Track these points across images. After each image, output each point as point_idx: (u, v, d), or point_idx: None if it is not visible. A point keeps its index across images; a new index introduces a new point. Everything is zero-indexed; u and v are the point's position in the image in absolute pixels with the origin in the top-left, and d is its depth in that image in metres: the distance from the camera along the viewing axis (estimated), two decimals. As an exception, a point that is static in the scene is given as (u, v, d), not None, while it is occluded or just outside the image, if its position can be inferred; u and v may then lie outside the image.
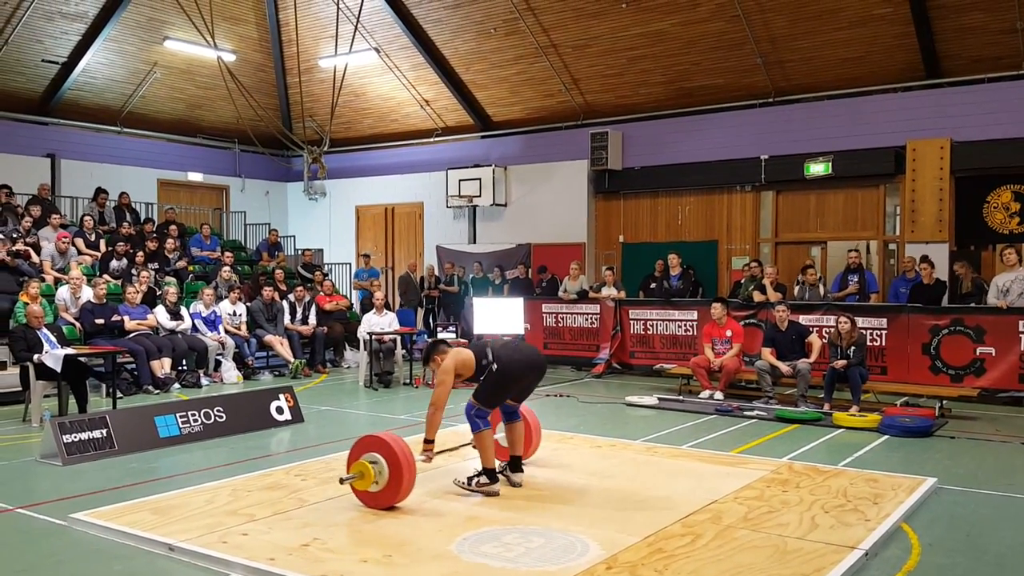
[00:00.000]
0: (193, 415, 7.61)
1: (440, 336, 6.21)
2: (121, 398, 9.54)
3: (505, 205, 16.15)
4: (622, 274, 14.28)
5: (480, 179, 15.92)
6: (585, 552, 4.37)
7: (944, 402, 9.05)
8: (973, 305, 10.24)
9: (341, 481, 5.19)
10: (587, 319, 12.90)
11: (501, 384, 5.55)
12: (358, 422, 8.91)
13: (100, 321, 10.47)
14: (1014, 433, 8.07)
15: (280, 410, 8.30)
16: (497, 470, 5.59)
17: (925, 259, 10.88)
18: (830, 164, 12.83)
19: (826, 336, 9.75)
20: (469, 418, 5.56)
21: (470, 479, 5.50)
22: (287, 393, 8.50)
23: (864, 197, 13.11)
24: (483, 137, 16.81)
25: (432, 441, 5.48)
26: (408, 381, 11.51)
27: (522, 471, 5.80)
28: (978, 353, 9.85)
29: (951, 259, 11.94)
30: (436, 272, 16.14)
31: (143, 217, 15.33)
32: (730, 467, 6.41)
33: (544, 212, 15.65)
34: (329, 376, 12.32)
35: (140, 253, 12.90)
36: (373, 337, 11.34)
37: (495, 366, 5.50)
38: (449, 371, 5.52)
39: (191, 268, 13.98)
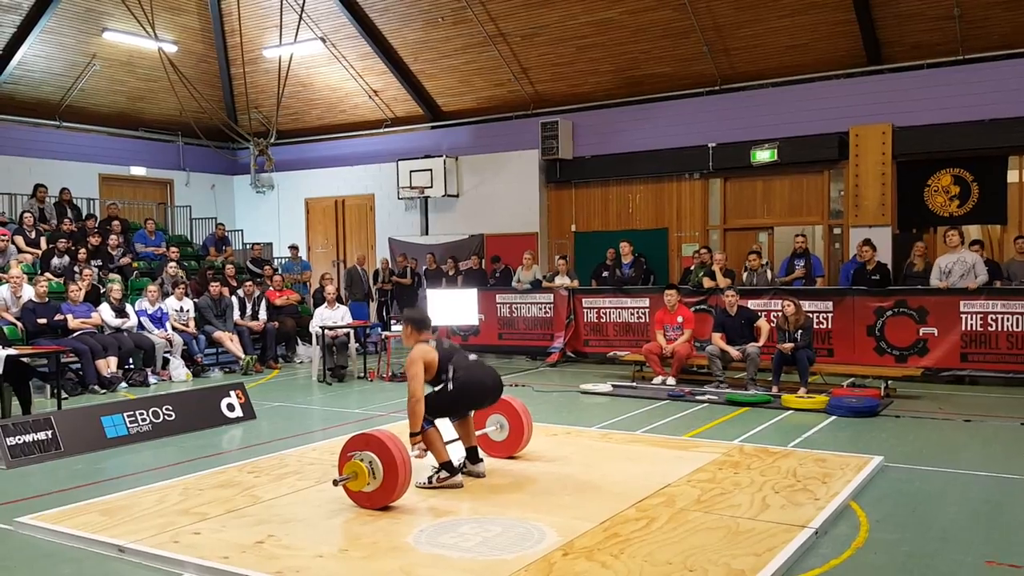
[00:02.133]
0: (141, 414, 7.47)
1: (420, 316, 5.98)
2: (66, 399, 9.32)
3: (457, 196, 16.10)
4: (575, 263, 14.35)
5: (431, 170, 15.84)
6: (542, 539, 4.39)
7: (889, 382, 9.27)
8: (917, 287, 10.49)
9: (335, 483, 5.07)
10: (541, 309, 12.93)
11: (453, 403, 5.54)
12: (312, 417, 8.83)
13: (42, 320, 10.21)
14: (957, 411, 8.30)
15: (231, 407, 8.18)
16: (455, 465, 5.56)
17: (867, 242, 11.10)
18: (775, 151, 13.04)
19: (774, 320, 9.91)
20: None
21: (430, 478, 5.43)
22: (238, 390, 8.37)
23: (809, 183, 13.35)
24: (433, 127, 16.73)
25: (418, 434, 5.37)
26: (362, 375, 11.43)
27: (481, 460, 5.78)
28: (921, 334, 10.09)
29: (894, 242, 12.23)
30: (390, 265, 16.04)
31: (85, 213, 14.97)
32: (683, 451, 6.49)
33: (496, 202, 15.63)
34: (281, 372, 12.18)
35: (82, 250, 12.60)
36: (325, 331, 11.23)
37: (451, 386, 5.46)
38: (416, 363, 5.43)
39: (135, 264, 13.69)
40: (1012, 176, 11.95)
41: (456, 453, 5.71)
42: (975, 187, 12.06)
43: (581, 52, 14.30)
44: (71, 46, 14.94)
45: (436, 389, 5.52)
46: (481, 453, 5.85)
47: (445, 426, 5.68)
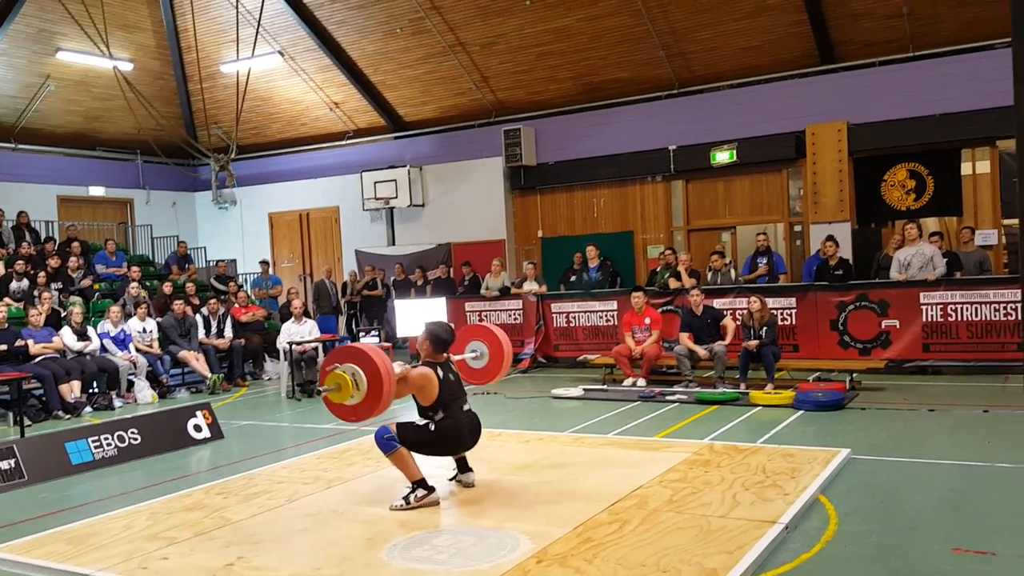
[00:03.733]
0: (106, 439, 7.35)
1: (444, 336, 5.59)
2: (30, 426, 9.15)
3: (423, 205, 16.08)
4: (543, 268, 14.38)
5: (396, 180, 15.80)
6: (516, 548, 4.39)
7: (854, 375, 9.39)
8: (876, 280, 10.67)
9: (317, 392, 4.98)
10: (510, 315, 12.93)
11: (424, 445, 5.39)
12: (281, 435, 8.75)
13: (2, 346, 10.02)
14: (921, 401, 8.43)
15: (198, 428, 8.08)
16: (448, 478, 5.52)
17: (831, 238, 11.24)
18: (735, 151, 13.18)
19: (739, 318, 10.01)
20: (381, 442, 5.31)
21: (406, 498, 5.28)
22: (204, 410, 8.28)
23: (768, 181, 13.52)
24: (396, 138, 16.69)
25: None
26: (332, 388, 11.32)
27: (471, 470, 5.73)
28: (883, 326, 10.25)
29: (854, 237, 12.42)
30: (358, 277, 15.97)
31: (44, 236, 14.74)
32: (654, 452, 6.53)
33: (462, 211, 15.63)
34: (249, 389, 12.05)
35: (42, 273, 12.40)
36: (293, 347, 11.14)
37: (432, 427, 5.34)
38: (414, 385, 5.26)
39: (97, 286, 13.49)
40: (965, 169, 12.19)
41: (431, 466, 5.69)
42: (930, 180, 12.28)
43: (540, 59, 14.36)
44: (24, 67, 14.72)
45: (417, 423, 5.39)
46: (472, 458, 5.78)
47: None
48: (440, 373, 5.39)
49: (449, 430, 5.39)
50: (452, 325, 5.76)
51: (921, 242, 10.52)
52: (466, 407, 5.55)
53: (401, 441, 5.31)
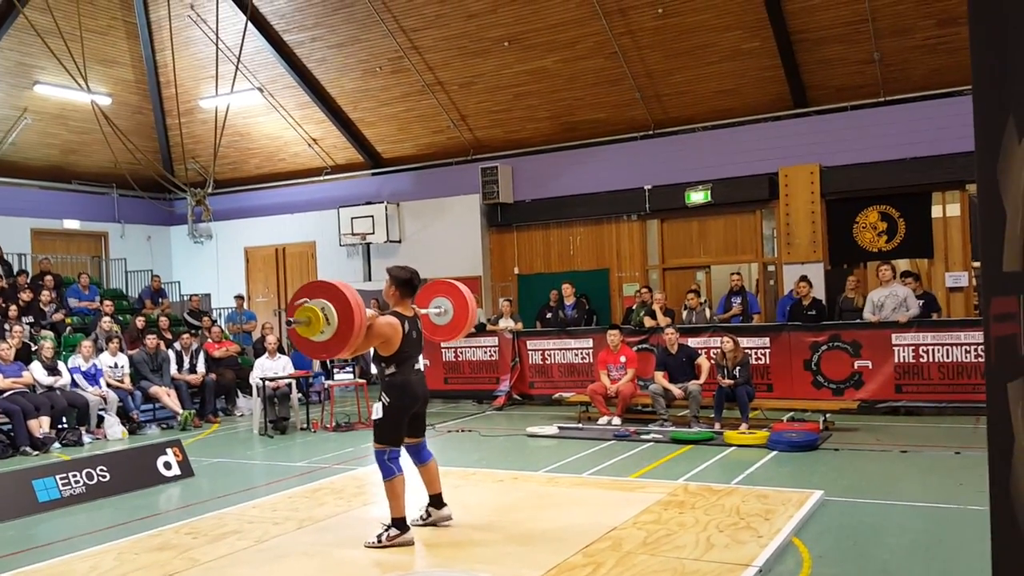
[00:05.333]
0: (74, 476, 7.22)
1: (407, 276, 5.53)
2: (-5, 462, 8.99)
3: (399, 241, 16.10)
4: (518, 305, 14.40)
5: (373, 216, 15.83)
6: (488, 590, 4.35)
7: (827, 415, 9.44)
8: (849, 322, 10.79)
9: (288, 324, 4.83)
10: (486, 352, 12.92)
11: (396, 417, 5.34)
12: (253, 472, 8.64)
13: (-31, 382, 9.86)
14: (893, 442, 8.49)
15: (168, 465, 7.96)
16: (422, 516, 5.47)
17: (804, 279, 11.37)
18: (709, 192, 13.35)
19: (714, 357, 10.06)
20: (382, 464, 5.28)
21: (379, 536, 5.24)
22: (175, 447, 8.16)
23: (742, 222, 13.68)
24: (374, 174, 16.75)
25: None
26: (306, 426, 11.24)
27: (446, 505, 5.67)
28: (856, 367, 10.34)
29: (826, 278, 12.57)
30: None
31: (16, 269, 14.57)
32: (629, 492, 6.51)
33: (439, 247, 15.66)
34: (221, 425, 11.91)
35: (13, 307, 12.24)
36: (266, 382, 11.04)
37: (386, 399, 5.32)
38: (381, 335, 5.18)
39: (69, 320, 13.34)
40: (936, 211, 12.41)
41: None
42: (901, 223, 12.48)
43: (518, 99, 14.52)
44: (1, 100, 14.65)
45: (377, 418, 5.33)
46: (445, 496, 5.71)
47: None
48: (406, 327, 5.34)
49: (399, 388, 5.31)
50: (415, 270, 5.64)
51: (894, 283, 10.66)
52: (417, 366, 5.50)
53: (387, 441, 5.27)
